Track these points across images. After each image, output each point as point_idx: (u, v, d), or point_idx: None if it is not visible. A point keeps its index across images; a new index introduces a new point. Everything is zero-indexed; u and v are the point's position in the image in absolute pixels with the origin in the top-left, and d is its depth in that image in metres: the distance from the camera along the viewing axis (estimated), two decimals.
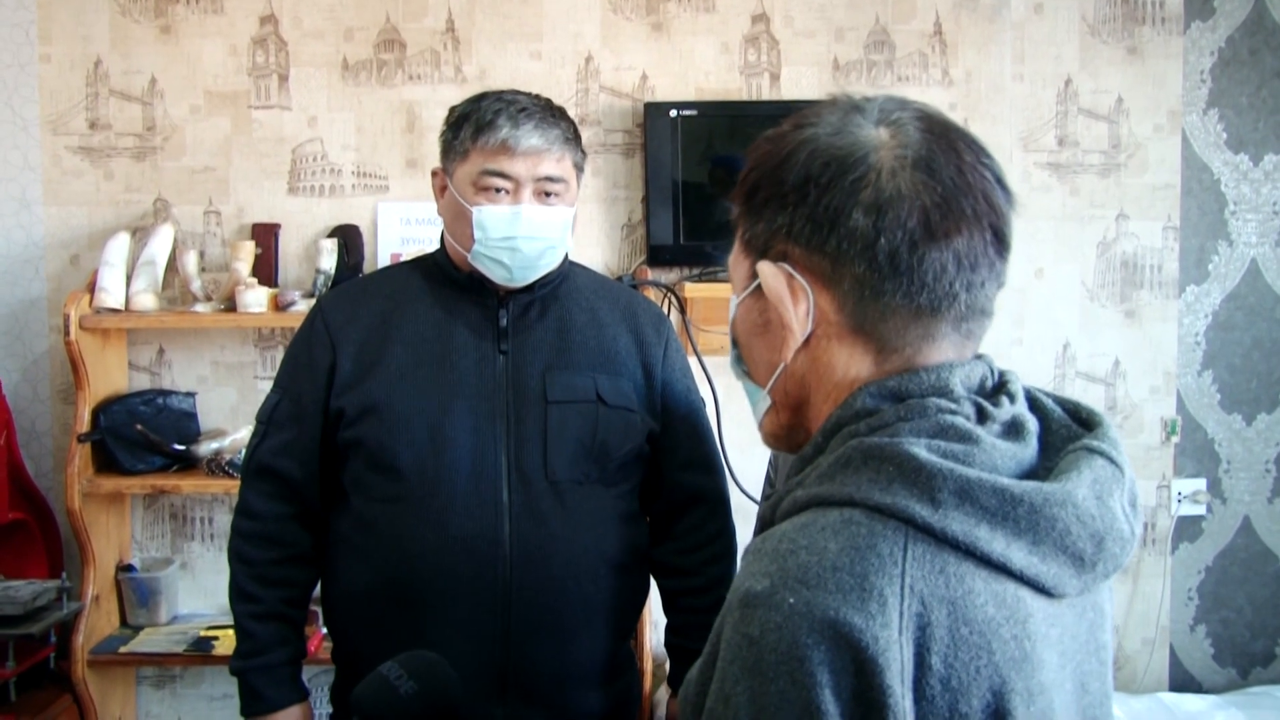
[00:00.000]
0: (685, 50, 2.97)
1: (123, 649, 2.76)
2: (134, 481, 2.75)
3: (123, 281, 2.77)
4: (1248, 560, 3.17)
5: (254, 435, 1.80)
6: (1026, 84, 3.04)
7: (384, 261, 2.87)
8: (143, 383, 2.95)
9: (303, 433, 1.75)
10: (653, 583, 1.93)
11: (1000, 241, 0.87)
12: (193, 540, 3.00)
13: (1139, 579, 3.14)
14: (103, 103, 2.93)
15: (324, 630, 2.60)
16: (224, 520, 2.95)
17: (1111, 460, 0.86)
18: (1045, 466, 0.86)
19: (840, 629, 0.74)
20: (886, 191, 0.83)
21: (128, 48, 2.92)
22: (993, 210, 0.86)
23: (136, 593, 2.88)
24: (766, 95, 2.97)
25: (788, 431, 0.96)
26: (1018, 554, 0.79)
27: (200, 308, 2.77)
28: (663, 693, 2.83)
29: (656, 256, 2.90)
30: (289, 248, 2.95)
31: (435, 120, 2.00)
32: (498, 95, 1.72)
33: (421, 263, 1.84)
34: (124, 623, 2.91)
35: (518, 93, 1.73)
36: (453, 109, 1.76)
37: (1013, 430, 0.86)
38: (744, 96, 2.97)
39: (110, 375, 2.86)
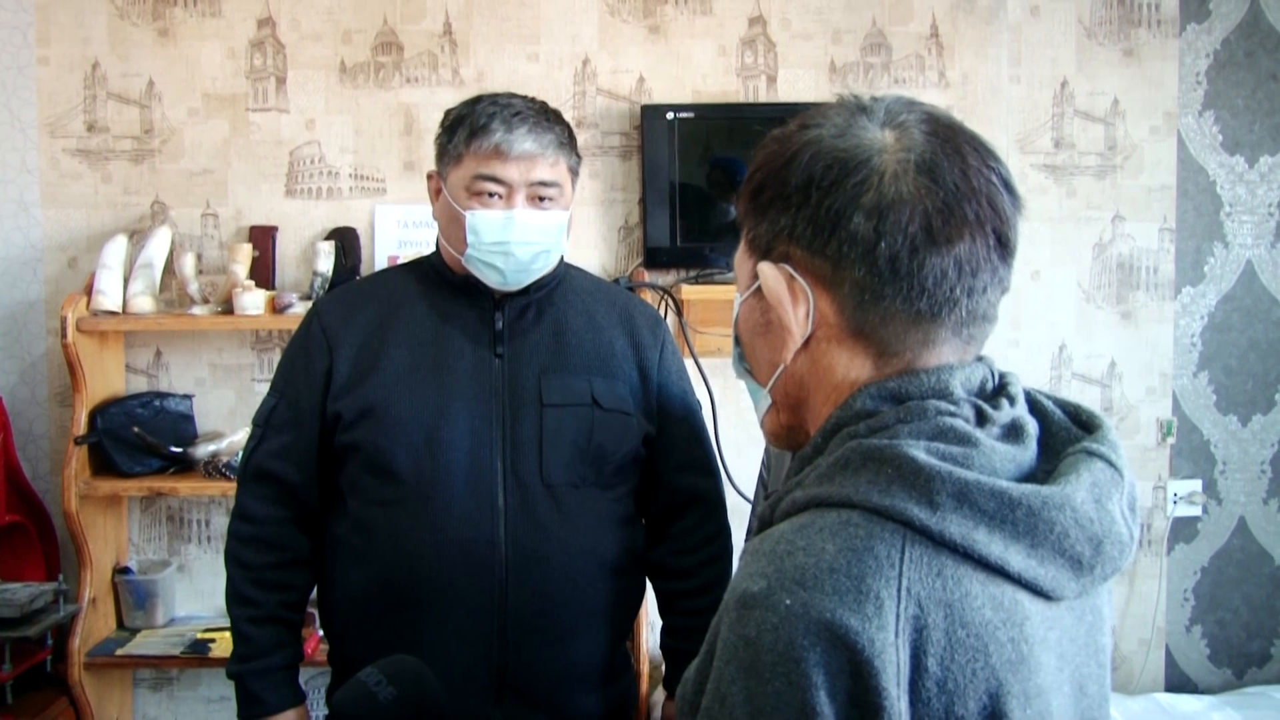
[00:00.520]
0: (682, 53, 2.98)
1: (119, 651, 2.76)
2: (131, 484, 2.75)
3: (120, 284, 2.77)
4: (1243, 561, 3.18)
5: (251, 438, 1.80)
6: (1023, 86, 3.05)
7: (381, 264, 2.88)
8: (140, 385, 2.95)
9: (300, 436, 1.75)
10: (649, 584, 1.93)
11: (1004, 247, 0.86)
12: (190, 542, 3.00)
13: (1135, 580, 3.14)
14: (100, 105, 2.93)
15: (321, 633, 2.61)
16: (221, 522, 2.95)
17: (1111, 463, 0.86)
18: (1044, 469, 0.86)
19: (836, 631, 0.74)
20: (888, 195, 0.83)
21: (125, 50, 2.92)
22: (996, 215, 0.85)
23: (133, 595, 2.88)
24: (764, 98, 2.98)
25: (788, 431, 0.96)
26: (1015, 557, 0.79)
27: (197, 310, 2.77)
28: (659, 695, 2.83)
29: (653, 259, 2.91)
30: (286, 250, 2.95)
31: (433, 123, 2.00)
32: (492, 99, 1.72)
33: (417, 266, 1.84)
34: (121, 625, 2.91)
35: (513, 96, 1.73)
36: (448, 112, 1.76)
37: (1012, 433, 0.86)
38: (741, 99, 2.98)
39: (107, 377, 2.86)
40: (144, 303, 2.76)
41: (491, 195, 1.68)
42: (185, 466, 2.82)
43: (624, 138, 2.98)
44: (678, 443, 1.84)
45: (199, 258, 2.91)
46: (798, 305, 0.87)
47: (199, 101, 2.94)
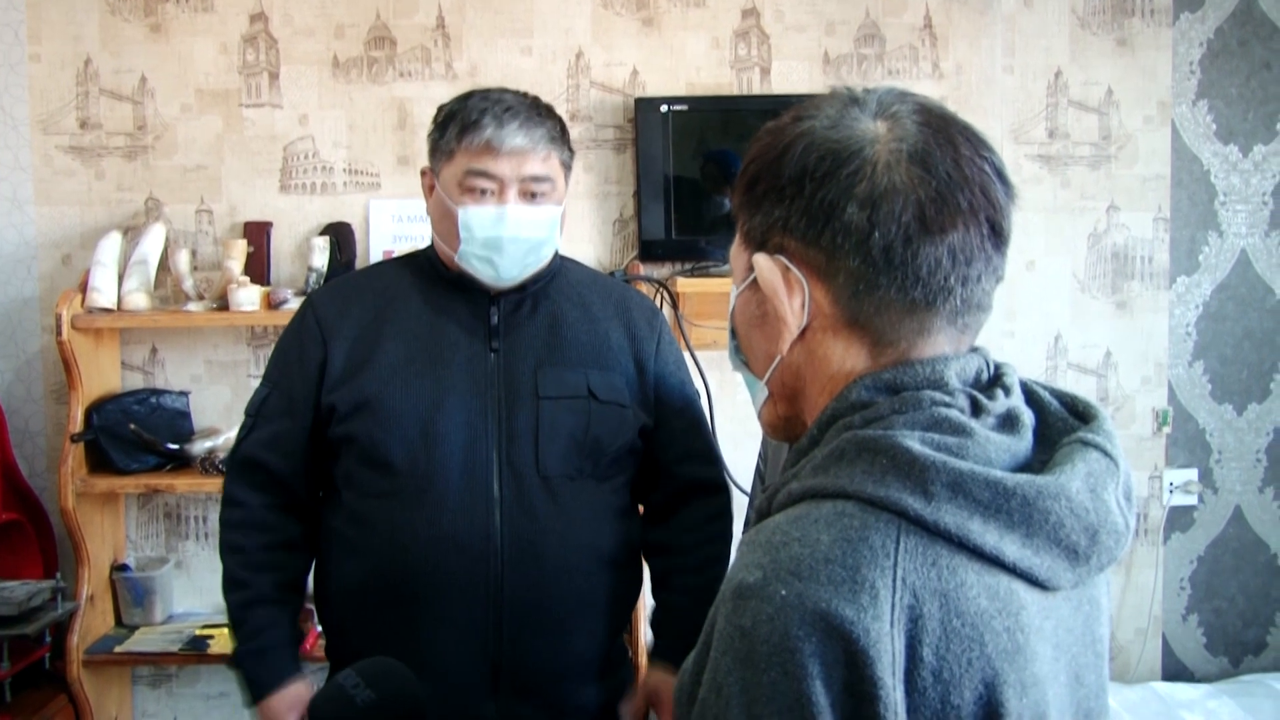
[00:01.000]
0: (676, 45, 2.97)
1: (118, 648, 2.76)
2: (128, 481, 2.75)
3: (115, 281, 2.76)
4: (1239, 550, 3.19)
5: (242, 428, 1.80)
6: (1016, 76, 3.05)
7: (376, 258, 2.87)
8: (136, 382, 2.95)
9: (292, 426, 1.75)
10: (646, 569, 1.91)
11: (997, 235, 0.87)
12: (187, 539, 3.00)
13: (1131, 569, 3.15)
14: (93, 102, 2.92)
15: (319, 628, 2.61)
16: (218, 518, 2.94)
17: (1106, 453, 0.86)
18: (1040, 459, 0.86)
19: (832, 621, 0.74)
20: (881, 185, 0.83)
21: (118, 46, 2.91)
22: (990, 204, 0.86)
23: (131, 592, 2.88)
24: (757, 90, 2.98)
25: (785, 422, 0.96)
26: (1010, 547, 0.79)
27: (193, 306, 2.76)
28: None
29: (648, 252, 2.90)
30: (281, 246, 2.94)
31: (426, 117, 2.00)
32: (484, 94, 1.71)
33: (413, 259, 1.84)
34: (119, 622, 2.91)
35: (505, 91, 1.73)
36: (440, 108, 1.75)
37: (1007, 423, 0.86)
38: (735, 91, 2.97)
39: (103, 375, 2.85)
40: (139, 299, 2.75)
41: (484, 191, 1.68)
42: (182, 463, 2.82)
43: (618, 131, 2.97)
44: (678, 434, 1.84)
45: (194, 254, 2.90)
46: (793, 296, 0.88)
47: (192, 97, 2.93)
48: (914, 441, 0.80)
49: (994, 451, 0.82)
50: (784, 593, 0.75)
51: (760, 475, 1.99)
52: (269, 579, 1.76)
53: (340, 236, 2.89)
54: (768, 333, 0.91)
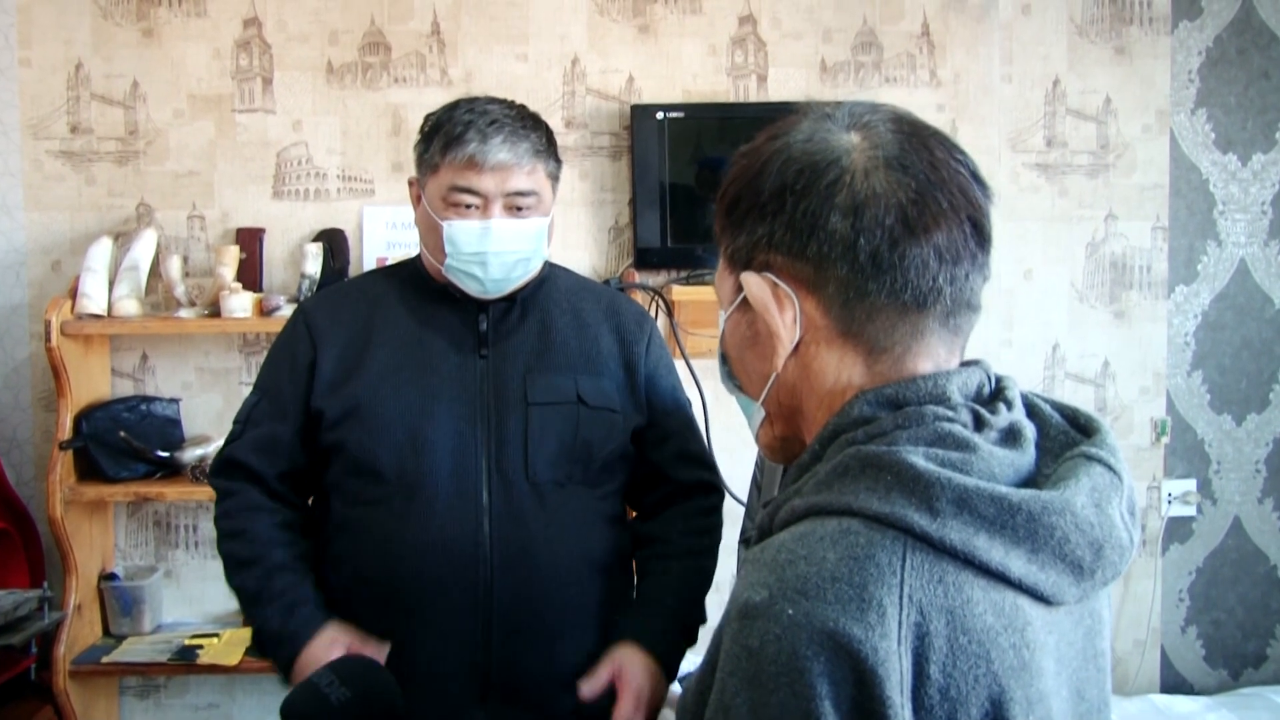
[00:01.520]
0: (672, 52, 2.96)
1: (105, 659, 2.72)
2: (117, 489, 2.73)
3: (105, 287, 2.74)
4: (1238, 561, 3.17)
5: (230, 435, 1.79)
6: (1014, 85, 3.03)
7: (370, 265, 2.86)
8: (126, 389, 2.92)
9: (281, 429, 1.73)
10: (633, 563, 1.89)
11: (980, 234, 0.87)
12: (177, 548, 2.97)
13: (1130, 580, 3.13)
14: (84, 107, 2.90)
15: None
16: (209, 527, 2.92)
17: (1110, 467, 0.85)
18: (1043, 473, 0.86)
19: (839, 640, 0.73)
20: (862, 192, 0.84)
21: (109, 51, 2.89)
22: (969, 203, 0.86)
23: (120, 602, 2.85)
24: (754, 97, 2.96)
25: (783, 443, 0.96)
26: (1016, 562, 0.78)
27: (184, 313, 2.74)
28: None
29: (644, 259, 2.89)
30: (274, 252, 2.92)
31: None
32: (469, 105, 1.69)
33: (402, 268, 1.84)
34: (107, 632, 2.87)
35: (491, 101, 1.71)
36: (427, 117, 1.74)
37: (1010, 437, 0.86)
38: (731, 98, 2.96)
39: (93, 382, 2.83)
40: (129, 306, 2.73)
41: (468, 206, 1.67)
42: (172, 471, 2.80)
43: (614, 138, 2.96)
44: (671, 436, 1.83)
45: (185, 260, 2.88)
46: (784, 311, 0.87)
47: (184, 102, 2.91)
48: (918, 457, 0.79)
49: (998, 466, 0.82)
50: (791, 612, 0.75)
51: (757, 485, 1.97)
52: (280, 552, 1.70)
53: (333, 243, 2.87)
54: (760, 352, 0.91)
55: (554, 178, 1.74)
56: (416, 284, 1.78)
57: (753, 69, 2.97)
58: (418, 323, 1.74)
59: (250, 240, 2.87)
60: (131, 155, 2.91)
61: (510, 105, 1.72)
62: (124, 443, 2.74)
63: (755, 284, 0.88)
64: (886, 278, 0.84)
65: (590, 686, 1.64)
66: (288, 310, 2.68)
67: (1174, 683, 3.17)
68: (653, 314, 2.70)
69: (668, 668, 1.69)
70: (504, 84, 2.88)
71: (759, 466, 1.99)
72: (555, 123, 2.87)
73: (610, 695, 1.83)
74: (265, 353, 1.77)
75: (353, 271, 2.88)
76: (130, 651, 2.77)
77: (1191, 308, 3.12)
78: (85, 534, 2.80)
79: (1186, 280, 3.11)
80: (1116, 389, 3.10)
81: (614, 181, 2.97)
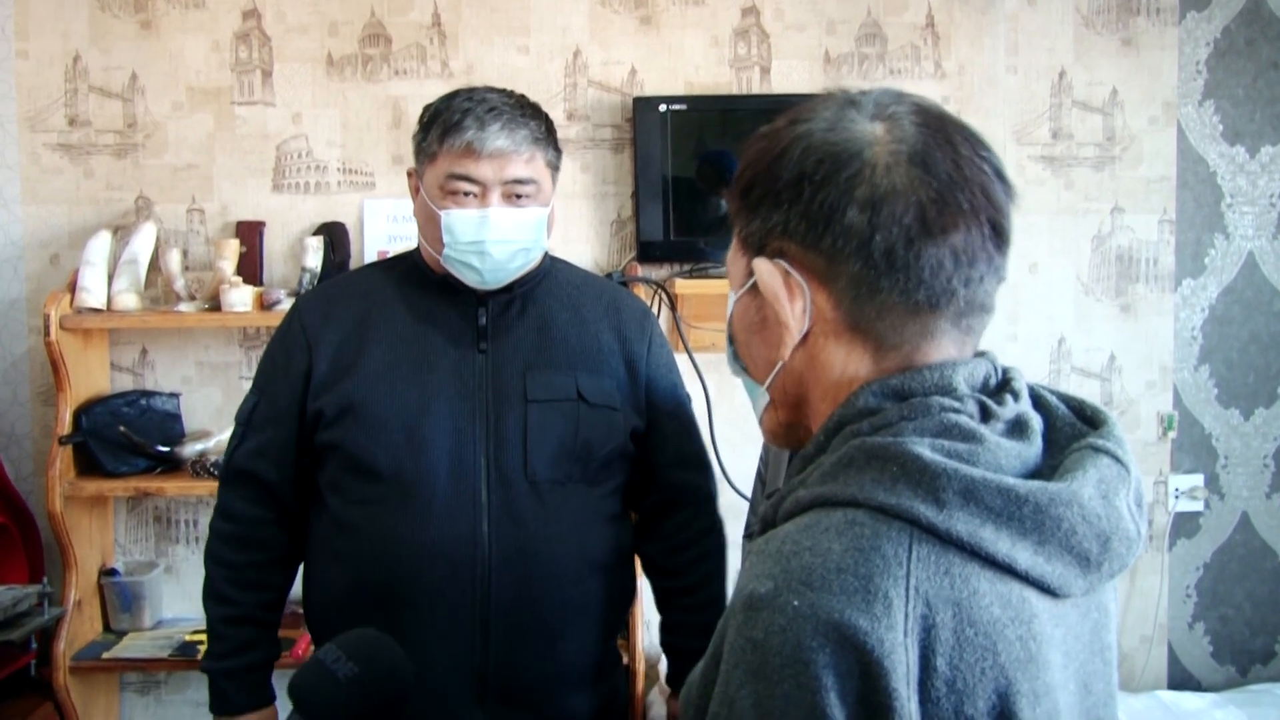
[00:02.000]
0: (674, 44, 2.93)
1: (106, 655, 2.71)
2: (117, 484, 2.71)
3: (104, 281, 2.72)
4: (1246, 556, 3.15)
5: (232, 437, 1.80)
6: (1020, 76, 3.01)
7: (370, 259, 2.84)
8: (125, 383, 2.91)
9: (280, 435, 1.73)
10: (643, 581, 1.91)
11: (999, 236, 0.86)
12: (177, 543, 2.96)
13: (1136, 576, 3.11)
14: (82, 99, 2.88)
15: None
16: (209, 523, 2.90)
17: (1117, 459, 0.85)
18: (1050, 465, 0.86)
19: (845, 631, 0.73)
20: (881, 188, 0.82)
21: (107, 43, 2.87)
22: (990, 204, 0.85)
23: (120, 597, 2.84)
24: (757, 89, 2.94)
25: (786, 429, 0.95)
26: (1023, 554, 0.78)
27: (184, 307, 2.72)
28: (655, 693, 2.79)
29: (646, 253, 2.87)
30: (274, 246, 2.90)
31: None
32: (468, 94, 1.68)
33: (399, 262, 1.83)
34: (107, 628, 2.86)
35: (490, 90, 1.70)
36: (426, 108, 1.73)
37: (1017, 429, 0.85)
38: (734, 90, 2.94)
39: (92, 376, 2.81)
40: (129, 300, 2.71)
41: (466, 194, 1.66)
42: (172, 466, 2.78)
43: (616, 130, 2.94)
44: (669, 437, 1.82)
45: (185, 254, 2.87)
46: (794, 301, 0.86)
47: (183, 95, 2.89)
48: (924, 448, 0.79)
49: (1004, 458, 0.82)
50: (796, 603, 0.74)
51: (761, 480, 1.95)
52: (254, 598, 1.77)
53: (334, 236, 2.85)
54: (768, 338, 0.90)
55: (553, 167, 1.73)
56: (414, 277, 1.76)
57: (756, 61, 2.95)
58: (415, 317, 1.72)
59: (250, 234, 2.85)
60: (130, 148, 2.89)
61: (509, 94, 1.70)
62: (124, 437, 2.72)
63: (767, 271, 0.87)
64: (900, 276, 0.82)
65: None
66: (288, 304, 2.67)
67: (1181, 679, 3.14)
68: (655, 308, 2.69)
69: None
70: (505, 76, 2.86)
71: (763, 461, 1.98)
72: (557, 115, 2.85)
73: (613, 697, 1.82)
74: (264, 347, 1.77)
75: (353, 265, 2.86)
76: (130, 647, 2.76)
77: (1199, 301, 3.09)
78: (85, 529, 2.78)
79: (1194, 274, 3.09)
80: (1123, 383, 3.07)
81: (616, 174, 2.94)
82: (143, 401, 2.83)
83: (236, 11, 2.88)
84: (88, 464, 2.75)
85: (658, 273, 2.89)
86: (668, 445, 1.81)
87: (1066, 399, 0.92)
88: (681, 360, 2.13)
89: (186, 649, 2.72)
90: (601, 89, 2.93)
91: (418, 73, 2.91)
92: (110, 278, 2.74)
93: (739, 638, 0.76)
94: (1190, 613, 3.15)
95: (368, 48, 2.91)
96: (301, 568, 1.81)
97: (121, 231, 2.85)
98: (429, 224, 1.69)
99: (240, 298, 2.69)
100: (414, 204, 1.76)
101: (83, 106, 2.88)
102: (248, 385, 1.84)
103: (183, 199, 2.90)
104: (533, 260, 1.73)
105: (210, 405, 2.92)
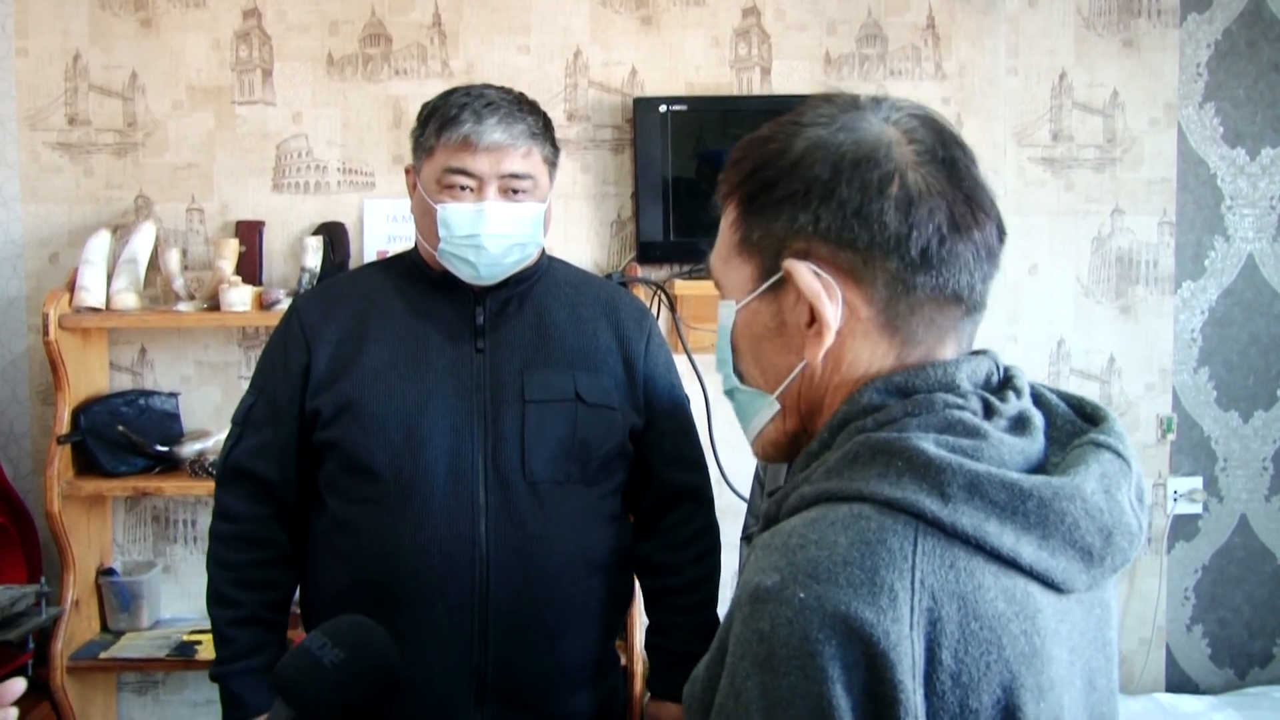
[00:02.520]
0: (675, 44, 2.93)
1: (103, 655, 2.71)
2: (115, 483, 2.71)
3: (103, 280, 2.72)
4: (1245, 559, 3.14)
5: (229, 437, 1.79)
6: (1020, 78, 3.01)
7: (370, 258, 2.84)
8: (124, 383, 2.91)
9: (278, 434, 1.73)
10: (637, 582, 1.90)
11: (1001, 234, 0.89)
12: (175, 543, 2.95)
13: (1135, 578, 3.11)
14: (82, 98, 2.88)
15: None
16: (207, 522, 2.88)
17: (1119, 454, 0.86)
18: (1052, 461, 0.87)
19: (852, 623, 0.73)
20: (916, 187, 0.84)
21: (108, 42, 2.87)
22: (993, 203, 0.89)
23: (118, 597, 2.83)
24: (758, 90, 2.94)
25: (790, 439, 0.94)
26: (1027, 548, 0.78)
27: (183, 306, 2.72)
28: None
29: (646, 253, 2.86)
30: (274, 245, 2.90)
31: None
32: (466, 90, 1.69)
33: (397, 261, 1.82)
34: (105, 628, 2.86)
35: (488, 87, 1.70)
36: (424, 105, 1.73)
37: (1019, 425, 0.86)
38: (735, 91, 2.94)
39: (91, 375, 2.81)
40: (128, 299, 2.71)
41: (463, 188, 1.65)
42: (171, 466, 2.78)
43: (616, 131, 2.93)
44: (666, 437, 1.82)
45: (184, 253, 2.86)
46: (834, 301, 0.86)
47: (183, 94, 2.89)
48: (929, 444, 0.80)
49: (1007, 453, 0.83)
50: (802, 595, 0.74)
51: (759, 481, 1.95)
52: (257, 598, 1.75)
53: (334, 236, 2.85)
54: (786, 343, 0.90)
55: (551, 164, 1.72)
56: (412, 276, 1.76)
57: (756, 61, 2.95)
58: (413, 316, 1.72)
59: (250, 233, 2.85)
60: (130, 147, 2.89)
61: (507, 91, 1.71)
62: (122, 437, 2.72)
63: (804, 271, 0.86)
64: (934, 273, 0.85)
65: None
66: (287, 304, 2.66)
67: (1179, 682, 3.14)
68: (655, 308, 2.69)
69: None
70: (506, 76, 2.86)
71: (762, 464, 1.97)
72: (557, 115, 2.85)
73: (613, 697, 1.81)
74: (264, 346, 1.77)
75: (353, 265, 2.86)
76: (128, 647, 2.75)
77: (1198, 303, 3.09)
78: (83, 529, 2.78)
79: (1193, 276, 3.08)
80: (1122, 385, 3.07)
81: (616, 175, 2.94)
82: (141, 401, 2.83)
83: (237, 10, 2.88)
84: (86, 463, 2.74)
85: (657, 273, 2.88)
86: (665, 444, 1.81)
87: (1066, 397, 0.93)
88: (681, 361, 2.13)
89: (184, 649, 2.72)
90: (602, 89, 2.93)
91: (418, 72, 2.91)
92: (109, 277, 2.74)
93: (745, 630, 0.77)
94: (1189, 615, 3.15)
95: (368, 47, 2.90)
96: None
97: (121, 230, 2.85)
98: (425, 219, 1.69)
99: (239, 297, 2.68)
100: (411, 200, 1.76)
101: (83, 105, 2.88)
102: (247, 385, 1.83)
103: (182, 198, 2.90)
104: (529, 256, 1.73)
105: (209, 405, 2.92)
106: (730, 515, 2.00)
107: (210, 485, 2.64)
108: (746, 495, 2.12)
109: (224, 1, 2.88)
